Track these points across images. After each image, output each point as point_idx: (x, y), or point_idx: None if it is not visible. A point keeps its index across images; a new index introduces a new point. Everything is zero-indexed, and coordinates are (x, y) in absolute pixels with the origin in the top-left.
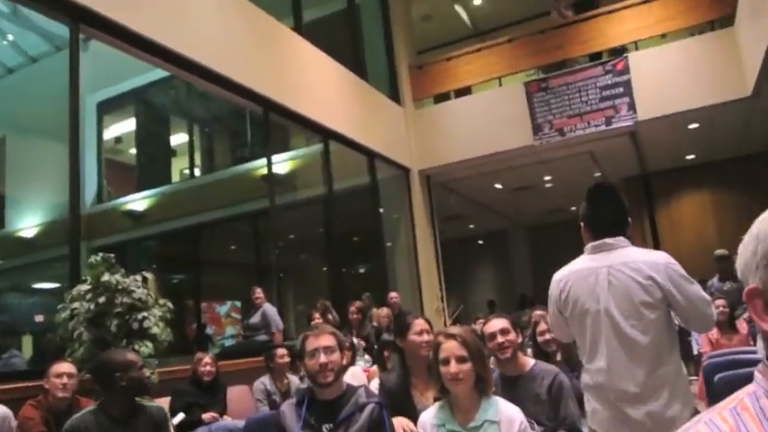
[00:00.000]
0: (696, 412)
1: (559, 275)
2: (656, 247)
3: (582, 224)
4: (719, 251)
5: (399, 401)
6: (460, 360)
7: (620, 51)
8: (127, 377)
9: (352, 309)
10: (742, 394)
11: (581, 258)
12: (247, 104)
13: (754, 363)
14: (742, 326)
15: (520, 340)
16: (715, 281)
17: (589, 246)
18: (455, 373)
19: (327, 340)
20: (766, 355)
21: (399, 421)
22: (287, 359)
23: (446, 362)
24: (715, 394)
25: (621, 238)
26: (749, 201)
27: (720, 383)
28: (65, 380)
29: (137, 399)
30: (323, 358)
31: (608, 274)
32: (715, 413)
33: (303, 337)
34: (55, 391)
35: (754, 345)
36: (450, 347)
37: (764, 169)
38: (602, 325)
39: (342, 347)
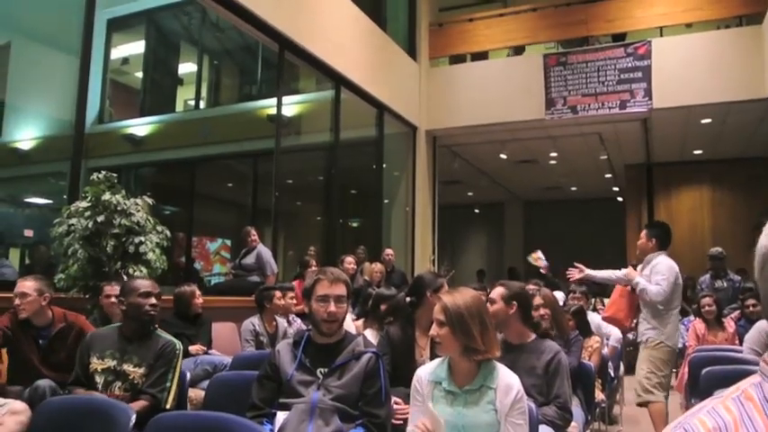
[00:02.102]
0: None
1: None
2: None
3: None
4: (714, 249)
5: (401, 354)
6: (440, 324)
7: (643, 36)
8: (126, 302)
9: (350, 260)
10: (745, 384)
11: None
12: (263, 39)
13: (740, 361)
14: (729, 324)
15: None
16: (707, 278)
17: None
18: (433, 335)
19: (340, 289)
20: None
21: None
22: (284, 302)
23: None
24: (700, 387)
25: None
26: (747, 202)
27: (707, 377)
28: (17, 301)
29: (152, 328)
30: (332, 307)
31: None
32: (718, 402)
33: (316, 278)
34: (18, 309)
35: (740, 344)
36: (435, 310)
37: (766, 172)
38: None
39: (349, 297)
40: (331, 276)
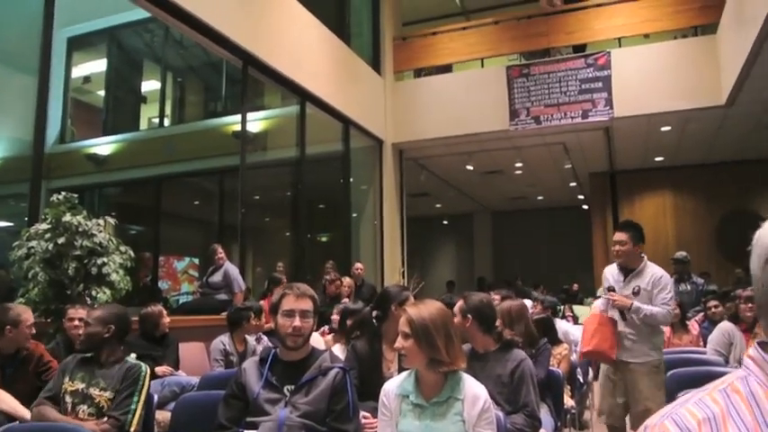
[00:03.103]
0: None
1: None
2: None
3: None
4: (679, 254)
5: (368, 368)
6: (404, 336)
7: (602, 47)
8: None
9: (359, 265)
10: (731, 378)
11: None
12: (226, 56)
13: (705, 362)
14: (693, 327)
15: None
16: (671, 282)
17: None
18: (398, 347)
19: (306, 304)
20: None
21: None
22: (256, 322)
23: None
24: (667, 390)
25: None
26: (709, 208)
27: (673, 379)
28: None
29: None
30: (297, 322)
31: None
32: (705, 394)
33: (282, 293)
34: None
35: (704, 346)
36: (401, 323)
37: (728, 178)
38: None
39: (316, 313)
40: (297, 291)
